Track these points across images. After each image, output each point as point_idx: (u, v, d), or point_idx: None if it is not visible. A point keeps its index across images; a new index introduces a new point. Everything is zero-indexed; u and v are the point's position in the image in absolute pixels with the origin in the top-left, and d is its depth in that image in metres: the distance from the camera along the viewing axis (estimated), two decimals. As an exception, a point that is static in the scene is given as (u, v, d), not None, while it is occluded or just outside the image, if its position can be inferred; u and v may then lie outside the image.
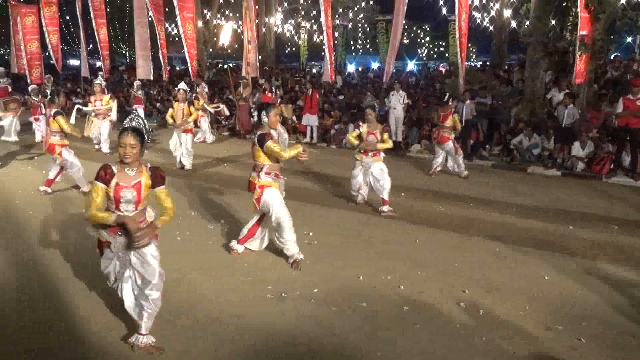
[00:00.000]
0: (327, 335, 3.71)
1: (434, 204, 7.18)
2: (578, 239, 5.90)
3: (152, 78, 16.10)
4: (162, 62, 15.16)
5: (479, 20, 22.57)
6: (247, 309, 4.05)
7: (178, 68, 26.93)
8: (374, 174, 6.71)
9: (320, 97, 13.88)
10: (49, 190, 7.41)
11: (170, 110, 9.30)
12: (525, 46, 12.42)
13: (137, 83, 14.12)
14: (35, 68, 17.17)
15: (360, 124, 6.89)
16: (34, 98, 12.41)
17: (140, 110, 13.59)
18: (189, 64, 15.26)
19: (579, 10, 9.90)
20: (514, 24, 18.05)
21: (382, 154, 6.85)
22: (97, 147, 10.80)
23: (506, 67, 17.22)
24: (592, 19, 9.95)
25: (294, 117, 13.74)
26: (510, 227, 6.28)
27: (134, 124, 3.35)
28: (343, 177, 8.36)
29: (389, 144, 6.93)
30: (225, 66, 17.63)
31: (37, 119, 12.04)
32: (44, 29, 17.60)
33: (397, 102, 12.08)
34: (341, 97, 15.66)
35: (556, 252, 5.45)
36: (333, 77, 15.87)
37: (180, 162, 9.27)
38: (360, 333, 3.75)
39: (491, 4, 20.09)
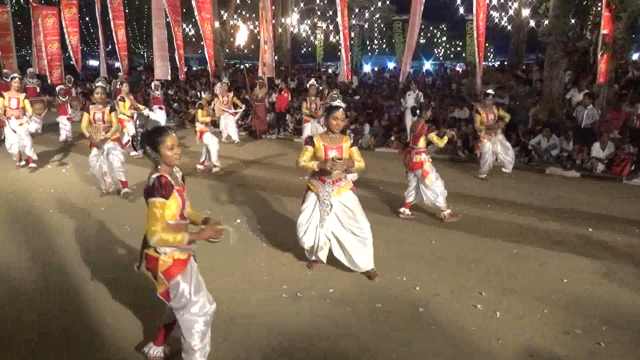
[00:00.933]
0: (342, 335, 3.71)
1: (449, 205, 7.11)
2: (597, 241, 5.79)
3: (169, 78, 16.26)
4: (178, 62, 15.28)
5: (496, 20, 22.36)
6: (263, 308, 4.07)
7: (195, 68, 27.17)
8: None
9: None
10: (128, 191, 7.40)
11: (202, 111, 9.14)
12: (544, 46, 12.24)
13: (155, 83, 14.18)
14: (56, 69, 17.45)
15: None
16: (61, 98, 12.61)
17: (159, 111, 13.67)
18: (208, 64, 15.38)
19: (600, 9, 9.74)
20: (532, 23, 17.87)
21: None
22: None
23: (524, 67, 17.03)
24: (613, 18, 9.78)
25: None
26: (528, 228, 6.20)
27: (155, 124, 3.10)
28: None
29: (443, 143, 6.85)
30: (242, 66, 17.73)
31: (69, 119, 12.37)
32: (64, 30, 17.89)
33: (414, 102, 12.01)
34: (357, 97, 15.63)
35: (575, 254, 5.36)
36: (349, 77, 15.85)
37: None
38: (375, 334, 3.74)
39: (509, 3, 19.91)
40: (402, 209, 6.64)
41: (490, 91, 8.71)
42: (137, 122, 3.02)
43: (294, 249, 5.11)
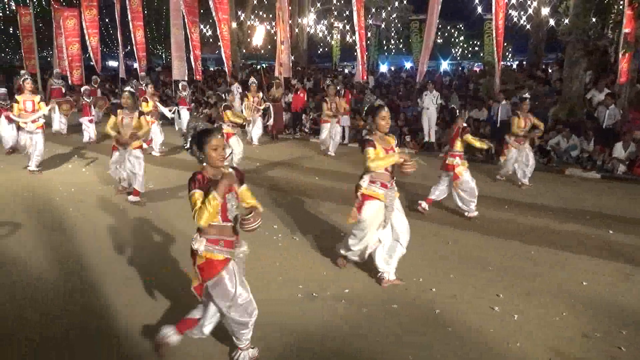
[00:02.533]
0: (357, 336, 3.70)
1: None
2: (618, 243, 5.69)
3: (186, 78, 16.44)
4: (193, 63, 15.40)
5: (515, 19, 22.10)
6: (278, 307, 4.07)
7: (212, 69, 27.36)
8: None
9: (352, 98, 13.84)
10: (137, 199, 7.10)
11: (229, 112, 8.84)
12: (564, 45, 12.07)
13: (182, 84, 14.17)
14: (76, 69, 17.78)
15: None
16: (85, 99, 12.54)
17: (184, 111, 13.77)
18: (225, 65, 15.49)
19: (622, 7, 9.57)
20: (552, 22, 17.62)
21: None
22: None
23: (543, 67, 16.80)
24: (635, 16, 9.60)
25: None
26: (547, 230, 6.12)
27: (205, 125, 3.14)
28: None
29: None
30: (258, 67, 17.80)
31: (91, 120, 12.34)
32: (85, 31, 18.20)
33: (430, 102, 11.94)
34: (373, 97, 15.57)
35: (594, 256, 5.28)
36: (365, 77, 15.82)
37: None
38: (391, 335, 3.73)
39: (528, 2, 19.66)
40: (422, 202, 6.65)
41: (527, 95, 8.40)
42: (190, 122, 3.15)
43: (310, 249, 5.12)
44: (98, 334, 3.72)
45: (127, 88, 7.11)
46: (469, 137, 6.39)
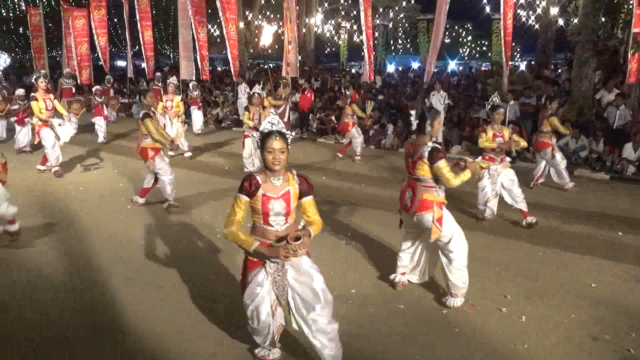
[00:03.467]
0: (363, 336, 3.69)
1: (473, 207, 7.03)
2: (627, 245, 5.64)
3: (194, 78, 16.48)
4: (200, 63, 15.39)
5: (524, 19, 21.98)
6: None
7: (219, 69, 27.44)
8: (504, 185, 6.16)
9: (359, 98, 13.82)
10: (141, 201, 6.91)
11: (247, 113, 8.78)
12: (573, 45, 11.98)
13: (192, 84, 14.10)
14: (85, 69, 17.90)
15: (486, 127, 6.30)
16: (97, 99, 12.41)
17: (196, 111, 13.78)
18: (231, 65, 15.49)
19: (631, 7, 9.49)
20: (561, 21, 17.50)
21: (508, 159, 6.38)
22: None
23: (552, 67, 16.70)
24: (645, 16, 9.51)
25: (333, 118, 13.74)
26: (555, 231, 6.08)
27: (275, 126, 3.00)
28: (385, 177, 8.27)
29: (524, 143, 6.44)
30: (266, 66, 17.83)
31: (106, 117, 12.26)
32: (94, 31, 18.30)
33: (438, 102, 11.91)
34: (380, 97, 15.56)
35: (603, 258, 5.23)
36: (372, 77, 15.79)
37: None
38: (397, 336, 3.72)
39: (537, 2, 19.54)
40: (527, 219, 6.20)
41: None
42: (265, 122, 3.04)
43: (316, 248, 5.10)
44: (99, 332, 3.74)
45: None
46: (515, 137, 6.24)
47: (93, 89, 12.88)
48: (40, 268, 4.85)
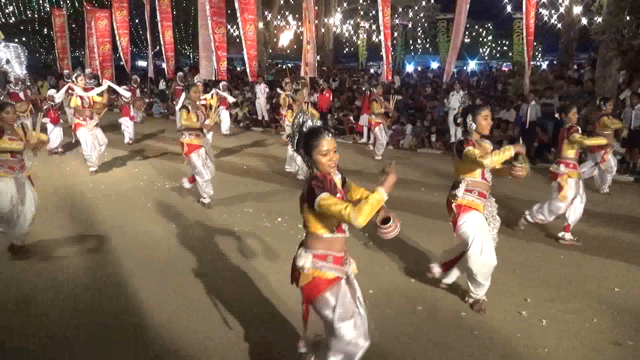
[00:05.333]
0: (381, 337, 3.67)
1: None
2: (652, 249, 5.52)
3: (214, 78, 16.59)
4: (215, 64, 15.44)
5: (546, 18, 21.64)
6: (299, 306, 4.07)
7: (239, 68, 27.61)
8: (580, 193, 5.62)
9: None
10: (187, 185, 7.01)
11: (291, 112, 8.68)
12: (597, 44, 11.76)
13: (222, 84, 14.20)
14: (107, 69, 18.19)
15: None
16: (124, 99, 12.26)
17: (224, 111, 13.88)
18: (247, 65, 15.53)
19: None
20: (584, 20, 17.19)
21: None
22: None
23: (575, 67, 16.41)
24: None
25: (352, 118, 13.73)
26: (577, 234, 5.96)
27: (312, 122, 2.72)
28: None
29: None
30: (284, 66, 17.87)
31: (132, 118, 12.19)
32: (115, 32, 18.59)
33: (457, 102, 11.79)
34: (399, 97, 15.50)
35: (627, 262, 5.13)
36: (390, 77, 15.72)
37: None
38: (415, 337, 3.69)
39: (560, 0, 19.22)
40: (561, 234, 5.75)
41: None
42: (297, 120, 2.73)
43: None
44: (115, 327, 3.80)
45: (197, 80, 6.82)
46: (575, 136, 5.44)
47: (120, 89, 12.73)
48: (63, 264, 4.94)
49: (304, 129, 2.68)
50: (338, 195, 2.64)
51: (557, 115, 5.75)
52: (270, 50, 23.34)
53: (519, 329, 3.81)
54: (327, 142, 2.60)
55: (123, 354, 3.49)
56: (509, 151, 3.65)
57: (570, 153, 5.56)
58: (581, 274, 4.85)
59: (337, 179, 2.77)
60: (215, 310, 4.00)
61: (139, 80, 16.27)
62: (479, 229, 3.90)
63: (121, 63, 19.75)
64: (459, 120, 3.99)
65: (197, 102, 6.71)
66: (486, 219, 3.97)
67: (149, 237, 5.73)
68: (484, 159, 3.63)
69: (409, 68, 26.57)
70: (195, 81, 10.92)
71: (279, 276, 4.51)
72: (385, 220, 2.64)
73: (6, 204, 4.91)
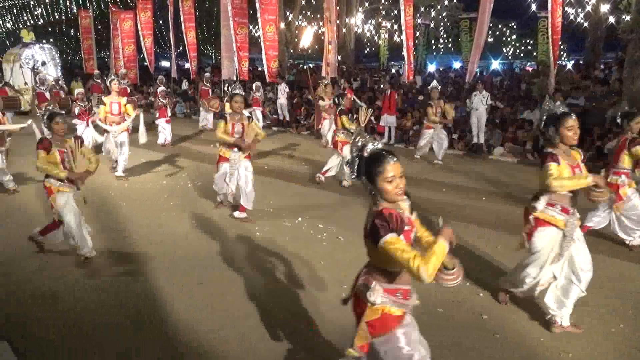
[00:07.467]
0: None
1: (518, 209, 6.83)
2: (682, 254, 5.37)
3: (235, 78, 16.73)
4: (237, 64, 15.49)
5: (572, 16, 21.23)
6: (318, 308, 4.09)
7: (260, 69, 27.75)
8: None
9: (398, 98, 13.70)
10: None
11: (345, 117, 8.03)
12: (625, 43, 11.49)
13: (256, 84, 14.20)
14: (131, 69, 18.52)
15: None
16: (161, 100, 11.98)
17: (258, 111, 13.89)
18: (264, 65, 15.56)
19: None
20: (612, 19, 16.83)
21: None
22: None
23: (601, 66, 16.07)
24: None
25: (372, 118, 13.65)
26: (604, 237, 5.82)
27: (374, 142, 2.41)
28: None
29: None
30: (305, 67, 17.89)
31: (168, 121, 11.89)
32: (140, 33, 18.89)
33: (480, 102, 11.65)
34: (421, 97, 15.38)
35: (655, 267, 5.00)
36: (411, 77, 15.62)
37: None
38: (435, 340, 3.64)
39: (586, -1, 18.84)
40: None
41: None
42: (356, 143, 2.43)
43: (356, 249, 5.09)
44: (139, 326, 3.85)
45: (237, 91, 6.19)
46: (638, 149, 5.16)
47: (158, 90, 12.31)
48: (89, 263, 5.04)
49: (365, 154, 2.39)
50: (407, 227, 2.39)
51: (618, 120, 5.46)
52: (292, 51, 23.39)
53: (543, 333, 3.75)
54: (392, 168, 2.32)
55: (147, 351, 3.54)
56: (585, 180, 3.48)
57: (628, 163, 5.38)
58: (607, 278, 4.73)
59: (405, 205, 2.51)
60: (237, 309, 4.04)
61: (164, 80, 16.44)
62: (550, 248, 3.69)
63: (145, 63, 20.07)
64: (542, 129, 3.74)
65: (239, 112, 6.16)
66: (565, 235, 3.64)
67: (173, 236, 5.80)
68: (555, 180, 3.44)
69: (431, 68, 26.36)
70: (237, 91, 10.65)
71: (303, 278, 4.52)
72: (446, 267, 2.45)
73: (74, 218, 4.84)
